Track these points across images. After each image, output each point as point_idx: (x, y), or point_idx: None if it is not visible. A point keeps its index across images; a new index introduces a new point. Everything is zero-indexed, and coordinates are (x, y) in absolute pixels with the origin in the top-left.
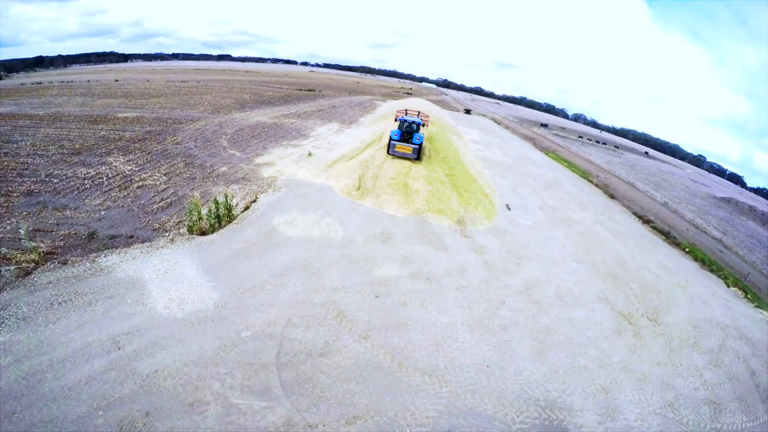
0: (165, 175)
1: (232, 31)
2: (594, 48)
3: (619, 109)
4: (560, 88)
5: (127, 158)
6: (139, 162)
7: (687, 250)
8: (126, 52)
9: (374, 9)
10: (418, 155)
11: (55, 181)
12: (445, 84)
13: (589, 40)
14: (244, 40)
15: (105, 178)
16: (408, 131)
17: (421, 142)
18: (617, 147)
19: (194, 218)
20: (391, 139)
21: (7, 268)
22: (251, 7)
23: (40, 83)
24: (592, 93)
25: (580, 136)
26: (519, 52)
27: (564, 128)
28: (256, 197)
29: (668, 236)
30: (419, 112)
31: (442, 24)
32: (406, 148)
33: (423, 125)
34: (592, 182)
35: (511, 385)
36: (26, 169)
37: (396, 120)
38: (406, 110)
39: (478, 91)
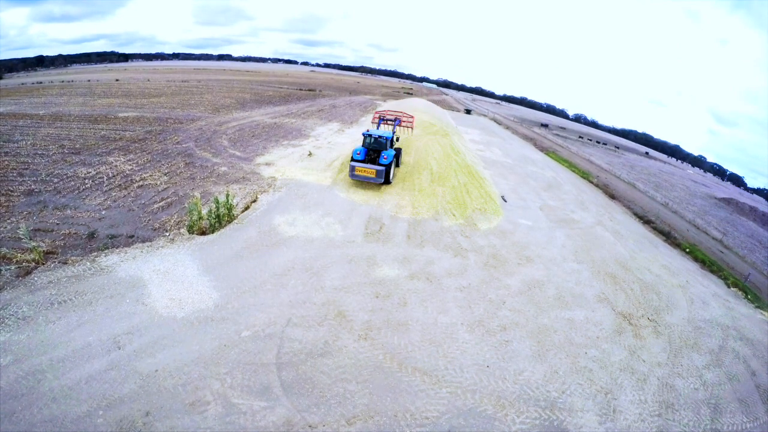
0: (165, 174)
1: (203, 37)
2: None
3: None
4: (453, 65)
5: (128, 158)
6: (139, 162)
7: (687, 250)
8: (126, 52)
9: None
10: (385, 178)
11: (56, 180)
12: (445, 84)
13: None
14: (211, 43)
15: (105, 178)
16: (375, 148)
17: (390, 162)
18: (617, 147)
19: (194, 218)
20: (352, 158)
21: (8, 267)
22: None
23: (41, 83)
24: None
25: (580, 137)
26: (398, 36)
27: (564, 128)
28: (256, 197)
29: (668, 237)
30: (401, 114)
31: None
32: (369, 171)
33: (396, 136)
34: (592, 182)
35: (511, 385)
36: (27, 169)
37: (373, 122)
38: (383, 115)
39: (478, 91)
